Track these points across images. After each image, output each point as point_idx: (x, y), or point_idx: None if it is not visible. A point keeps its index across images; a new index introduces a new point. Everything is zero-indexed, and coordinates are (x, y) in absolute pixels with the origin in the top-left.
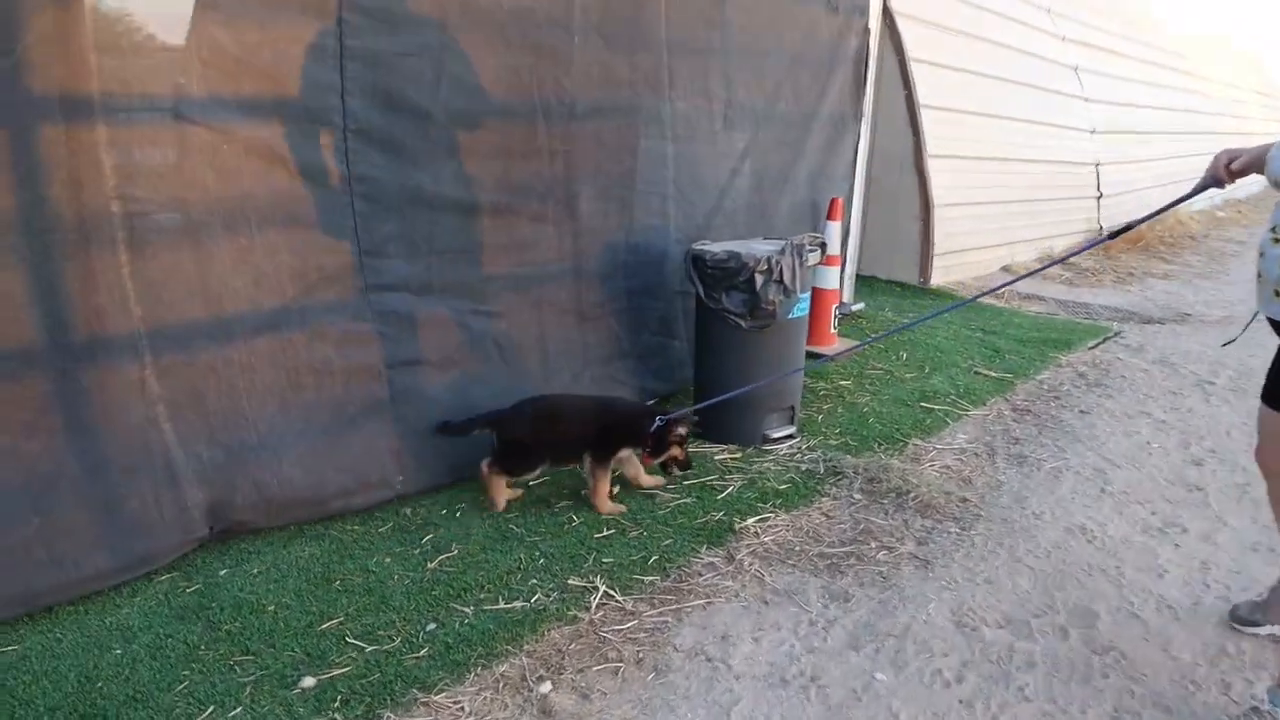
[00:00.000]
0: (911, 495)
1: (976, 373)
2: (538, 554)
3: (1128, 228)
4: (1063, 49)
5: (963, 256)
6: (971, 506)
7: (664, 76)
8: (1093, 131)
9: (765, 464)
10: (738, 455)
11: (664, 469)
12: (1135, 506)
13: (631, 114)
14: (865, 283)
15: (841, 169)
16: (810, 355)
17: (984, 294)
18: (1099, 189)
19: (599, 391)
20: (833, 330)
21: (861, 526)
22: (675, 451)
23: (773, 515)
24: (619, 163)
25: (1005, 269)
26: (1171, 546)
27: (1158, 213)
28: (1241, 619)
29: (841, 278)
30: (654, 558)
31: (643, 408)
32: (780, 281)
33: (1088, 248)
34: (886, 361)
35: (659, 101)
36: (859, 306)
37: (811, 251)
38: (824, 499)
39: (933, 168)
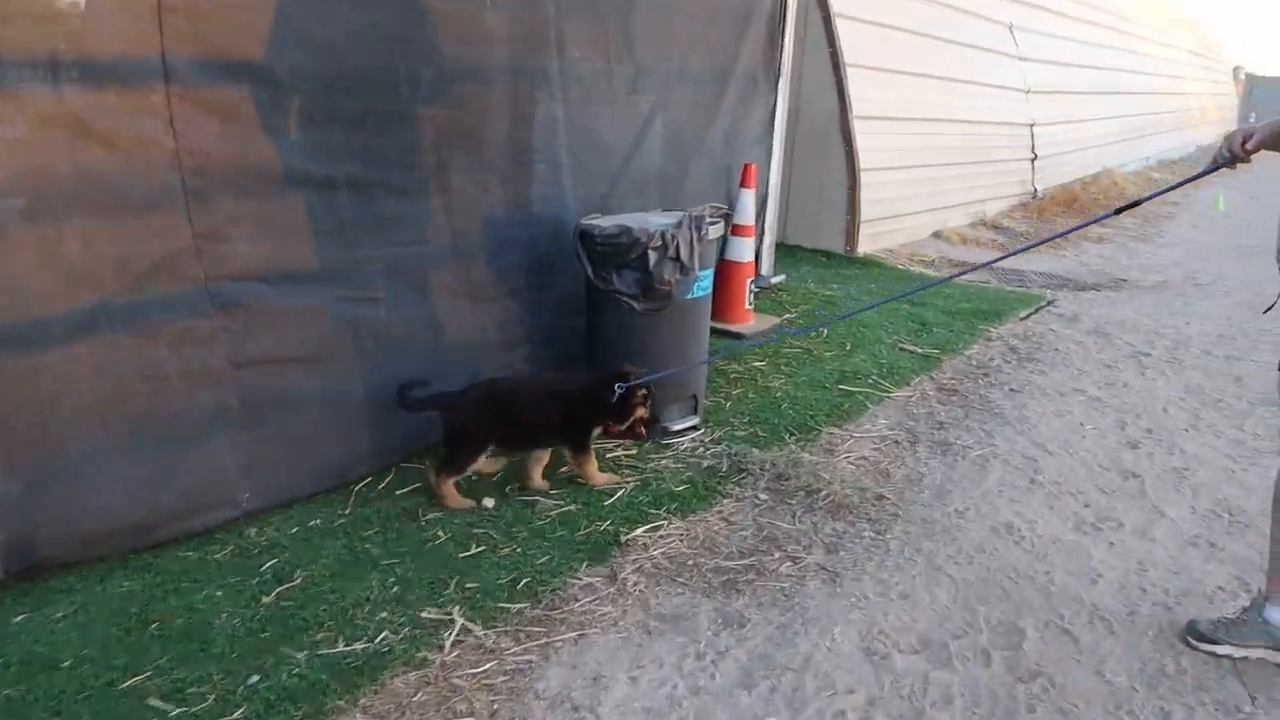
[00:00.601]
0: (823, 494)
1: (901, 349)
2: (392, 580)
3: (1135, 204)
4: (997, 6)
5: (892, 223)
6: (889, 505)
7: (551, 34)
8: (1028, 92)
9: (663, 461)
10: (632, 452)
11: (629, 433)
12: (1067, 498)
13: (515, 75)
14: (789, 252)
15: (755, 133)
16: (724, 334)
17: (962, 272)
18: (1034, 150)
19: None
20: (748, 306)
21: (765, 533)
22: (641, 412)
23: (666, 523)
24: (500, 129)
25: (937, 235)
26: (1106, 545)
27: (1164, 191)
28: (1200, 635)
29: (759, 249)
30: (525, 580)
31: (599, 378)
32: (676, 258)
33: (1093, 222)
34: (806, 338)
35: (547, 61)
36: (779, 279)
37: (713, 224)
38: (725, 501)
39: (859, 130)
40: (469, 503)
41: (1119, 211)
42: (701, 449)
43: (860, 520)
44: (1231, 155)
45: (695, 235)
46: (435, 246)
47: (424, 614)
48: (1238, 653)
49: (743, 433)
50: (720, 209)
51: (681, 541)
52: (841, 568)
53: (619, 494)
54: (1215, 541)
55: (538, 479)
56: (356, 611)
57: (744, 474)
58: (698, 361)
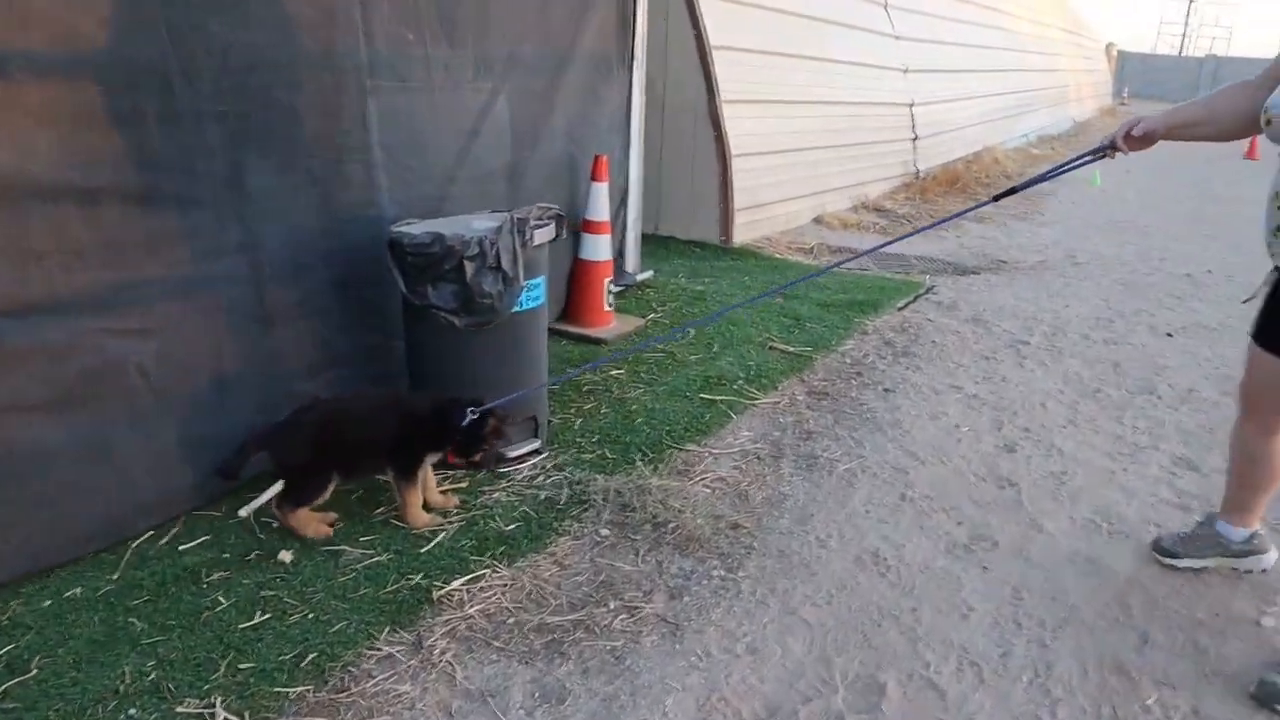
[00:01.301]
0: (671, 526)
1: (772, 348)
2: (152, 663)
3: (1011, 191)
4: None
5: (768, 210)
6: (744, 535)
7: (355, 15)
8: (905, 70)
9: (495, 494)
10: (462, 485)
11: (471, 464)
12: (939, 516)
13: (313, 64)
14: (662, 244)
15: (606, 122)
16: (582, 340)
17: (836, 265)
18: (915, 130)
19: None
20: (608, 308)
21: (602, 577)
22: (489, 445)
23: (489, 573)
24: (303, 126)
25: (817, 220)
26: (978, 570)
27: (1041, 179)
28: (1164, 550)
29: (622, 244)
30: (313, 655)
31: (446, 399)
32: (497, 268)
33: (971, 210)
34: (670, 340)
35: (351, 47)
36: (646, 275)
37: (540, 226)
38: (561, 540)
39: (729, 114)
40: (325, 528)
41: (997, 198)
42: (541, 477)
43: (711, 556)
44: (1113, 145)
45: (518, 241)
46: (226, 264)
47: (180, 708)
48: (1196, 564)
49: (590, 455)
50: (550, 209)
51: (504, 594)
52: (684, 617)
53: (438, 538)
54: (1094, 556)
55: (432, 498)
56: (98, 709)
57: (585, 506)
58: (539, 384)
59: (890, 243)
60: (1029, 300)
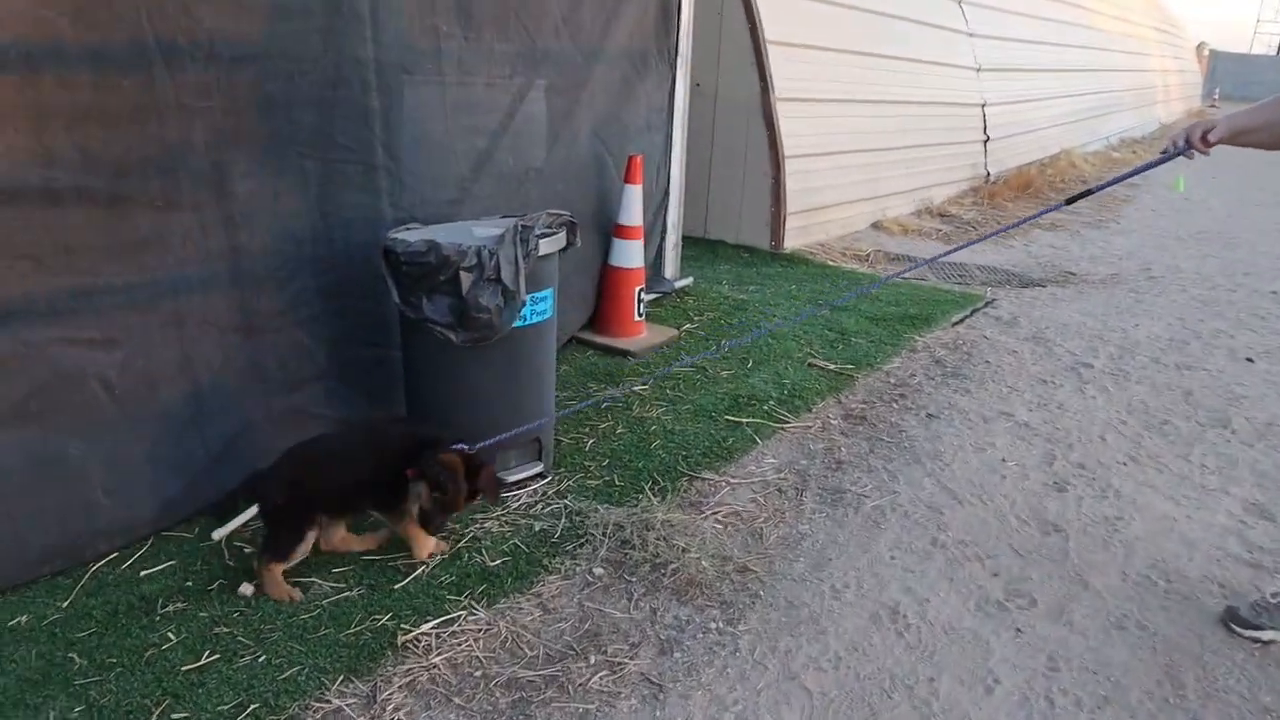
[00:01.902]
0: (673, 567)
1: (811, 365)
2: (81, 708)
3: (1084, 194)
4: None
5: (823, 214)
6: (751, 581)
7: (363, 4)
8: (978, 70)
9: (488, 523)
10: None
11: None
12: (973, 565)
13: (312, 57)
14: (709, 249)
15: (643, 120)
16: (610, 351)
17: (890, 276)
18: (986, 131)
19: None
20: (638, 318)
21: (589, 624)
22: (461, 502)
23: (465, 615)
24: (298, 124)
25: (876, 226)
26: (1011, 634)
27: (1113, 182)
28: (1243, 621)
29: (660, 249)
30: (255, 705)
31: (438, 434)
32: (497, 279)
33: (1041, 214)
34: (704, 352)
35: (356, 40)
36: (685, 282)
37: (548, 235)
38: (550, 579)
39: (784, 113)
40: (293, 594)
41: (1069, 202)
42: (540, 504)
43: (712, 604)
44: (1188, 145)
45: (520, 251)
46: (204, 270)
47: None
48: (1274, 635)
49: (595, 481)
50: (561, 216)
51: (477, 641)
52: (671, 677)
53: (416, 573)
54: (1146, 621)
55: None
56: None
57: (582, 540)
58: (538, 422)
59: (952, 251)
60: (1097, 317)
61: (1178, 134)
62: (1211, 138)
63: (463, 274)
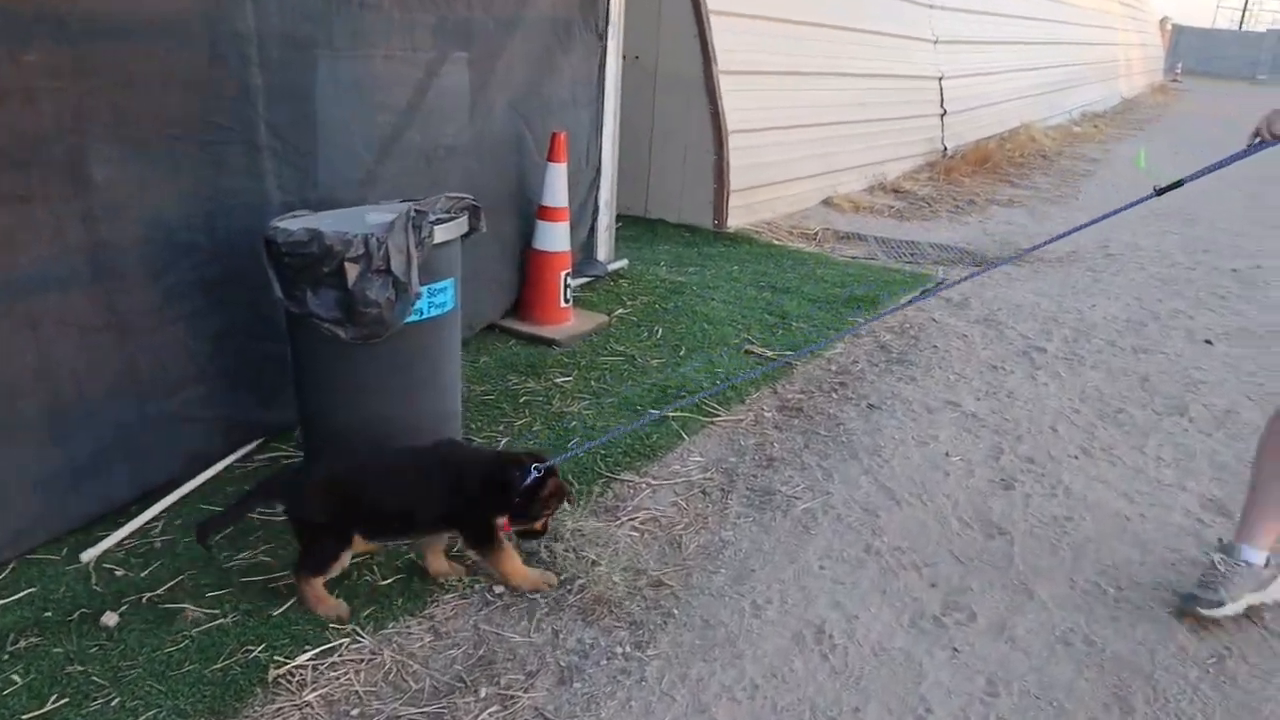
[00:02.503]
0: (580, 583)
1: (748, 352)
2: None
3: (1178, 184)
4: None
5: (770, 191)
6: (665, 598)
7: None
8: (935, 42)
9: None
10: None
11: (529, 533)
12: (909, 575)
13: (184, 32)
14: (650, 229)
15: (567, 94)
16: (532, 340)
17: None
18: (943, 105)
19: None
20: (565, 303)
21: (483, 650)
22: (542, 521)
23: (347, 643)
24: (169, 105)
25: (826, 203)
26: (947, 654)
27: (1207, 171)
28: (1206, 603)
29: (593, 231)
30: None
31: (502, 455)
32: (386, 271)
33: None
34: (634, 340)
35: (234, 11)
36: (619, 265)
37: (446, 221)
38: (445, 598)
39: (728, 87)
40: (340, 608)
41: (1160, 193)
42: None
43: (620, 625)
44: (1274, 137)
45: (413, 239)
46: (62, 267)
47: None
48: (1237, 607)
49: None
50: (462, 199)
51: (358, 673)
52: (568, 712)
53: (292, 601)
54: (1094, 636)
55: (438, 564)
56: None
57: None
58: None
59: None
60: (1052, 297)
61: (1263, 123)
62: (1276, 129)
63: (348, 265)
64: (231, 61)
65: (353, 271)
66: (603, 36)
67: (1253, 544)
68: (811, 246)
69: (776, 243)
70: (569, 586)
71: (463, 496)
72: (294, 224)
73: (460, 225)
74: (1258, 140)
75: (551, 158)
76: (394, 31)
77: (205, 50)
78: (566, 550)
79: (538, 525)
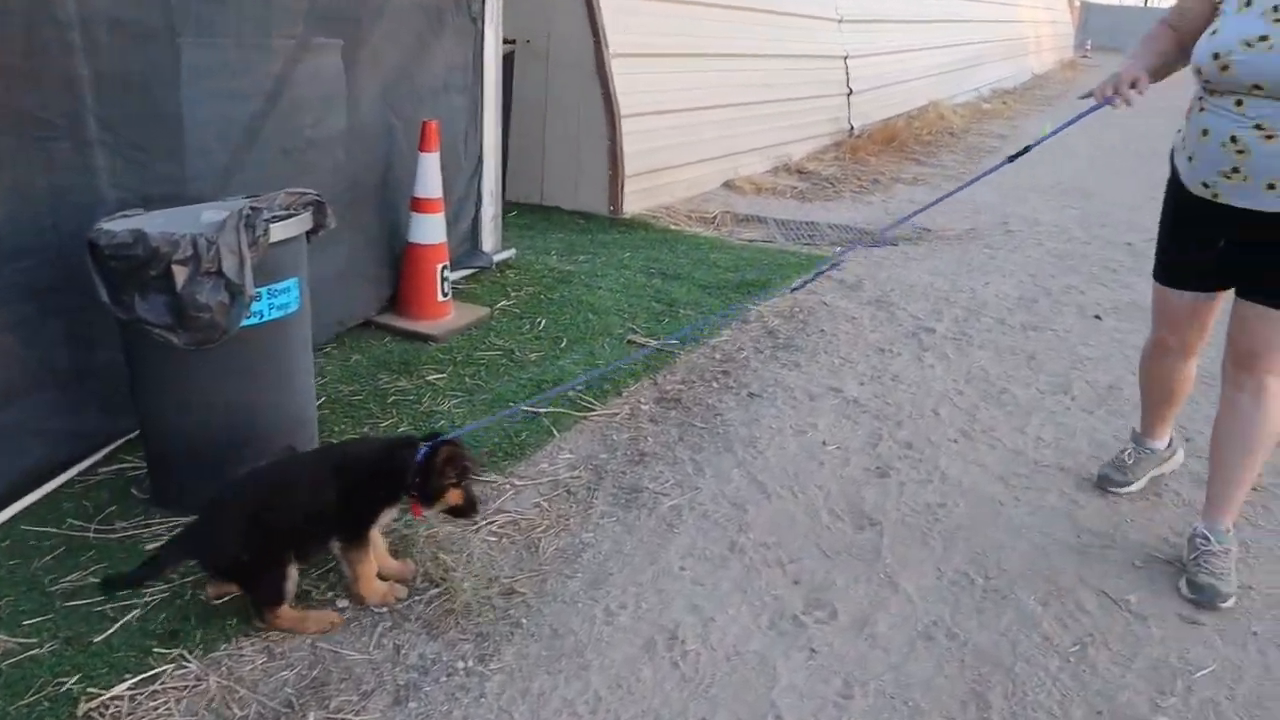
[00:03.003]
0: (429, 593)
1: (631, 342)
2: None
3: (1026, 150)
4: None
5: (668, 175)
6: (517, 605)
7: None
8: (840, 21)
9: None
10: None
11: (452, 512)
12: (772, 572)
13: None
14: (545, 216)
15: (440, 81)
16: (408, 336)
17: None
18: (848, 84)
19: None
20: (443, 297)
21: (318, 671)
22: (452, 495)
23: (172, 669)
24: None
25: (727, 185)
26: (804, 655)
27: (1053, 134)
28: (1116, 482)
29: (477, 221)
30: None
31: (393, 439)
32: (218, 273)
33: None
34: (515, 333)
35: None
36: (505, 255)
37: (285, 218)
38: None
39: (621, 69)
40: (330, 616)
41: (1012, 159)
42: None
43: (466, 637)
44: (1118, 96)
45: (246, 238)
46: None
47: None
48: (1141, 484)
49: None
50: (305, 194)
51: (180, 702)
52: None
53: (129, 617)
54: (957, 629)
55: (391, 566)
56: None
57: (331, 565)
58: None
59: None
60: (946, 276)
61: (1104, 84)
62: (1142, 87)
63: (175, 268)
64: (51, 51)
65: (181, 274)
66: (477, 20)
67: (1153, 437)
68: (709, 231)
69: (674, 227)
70: (418, 597)
71: (360, 490)
72: (120, 225)
73: (302, 222)
74: (1093, 102)
75: (423, 148)
76: (246, 17)
77: (22, 35)
78: (419, 559)
79: (451, 499)
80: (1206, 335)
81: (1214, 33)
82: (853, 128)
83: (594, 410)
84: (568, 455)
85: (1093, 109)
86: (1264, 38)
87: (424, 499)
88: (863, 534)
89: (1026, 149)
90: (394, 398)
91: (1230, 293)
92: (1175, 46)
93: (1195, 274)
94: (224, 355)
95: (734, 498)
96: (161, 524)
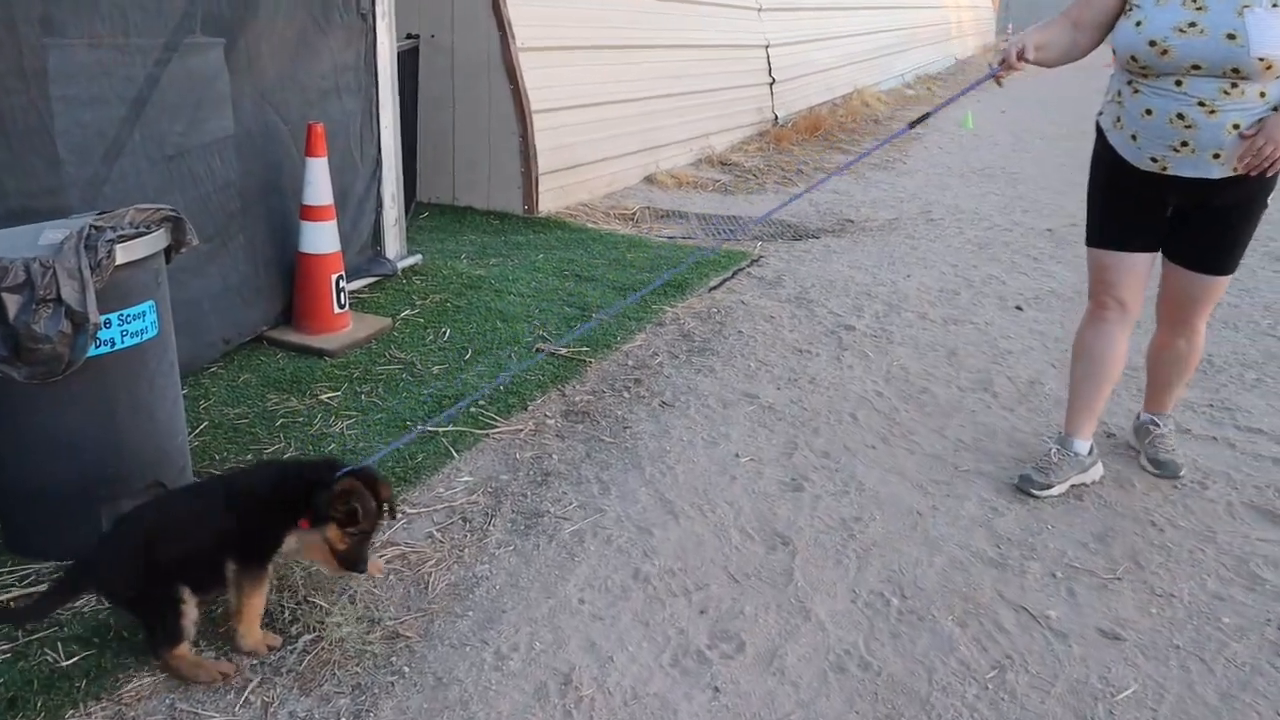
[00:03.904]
0: (305, 641)
1: (540, 350)
2: None
3: (926, 117)
4: None
5: (586, 171)
6: (400, 651)
7: None
8: (760, 9)
9: (77, 602)
10: (26, 592)
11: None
12: (677, 602)
13: None
14: (458, 218)
15: (329, 82)
16: (302, 351)
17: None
18: (771, 74)
19: None
20: (339, 309)
21: None
22: (331, 533)
23: None
24: None
25: (649, 180)
26: (707, 695)
27: (945, 104)
28: (1038, 484)
29: (378, 226)
30: None
31: (314, 460)
32: (56, 300)
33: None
34: (417, 345)
35: None
36: (412, 261)
37: (133, 237)
38: (140, 674)
39: (531, 64)
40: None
41: (911, 126)
42: None
43: (342, 690)
44: (1004, 63)
45: (87, 261)
46: None
47: None
48: (1063, 488)
49: None
50: (159, 210)
51: None
52: None
53: None
54: (871, 657)
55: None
56: None
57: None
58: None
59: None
60: (868, 270)
61: (997, 54)
62: (1028, 55)
63: (6, 296)
64: None
65: (13, 302)
66: (368, 17)
67: (1078, 436)
68: (628, 228)
69: (591, 226)
70: (291, 646)
71: (257, 516)
72: None
73: (155, 240)
74: (991, 67)
75: (310, 152)
76: (102, 15)
77: None
78: (297, 602)
79: (332, 537)
80: (1142, 296)
81: (1139, 24)
82: (776, 117)
83: (497, 426)
84: (466, 478)
85: (984, 78)
86: (1193, 24)
87: (316, 521)
88: (774, 555)
89: (925, 116)
90: (283, 420)
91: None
92: (1068, 35)
93: (1137, 235)
94: (71, 389)
95: (640, 520)
96: (11, 573)
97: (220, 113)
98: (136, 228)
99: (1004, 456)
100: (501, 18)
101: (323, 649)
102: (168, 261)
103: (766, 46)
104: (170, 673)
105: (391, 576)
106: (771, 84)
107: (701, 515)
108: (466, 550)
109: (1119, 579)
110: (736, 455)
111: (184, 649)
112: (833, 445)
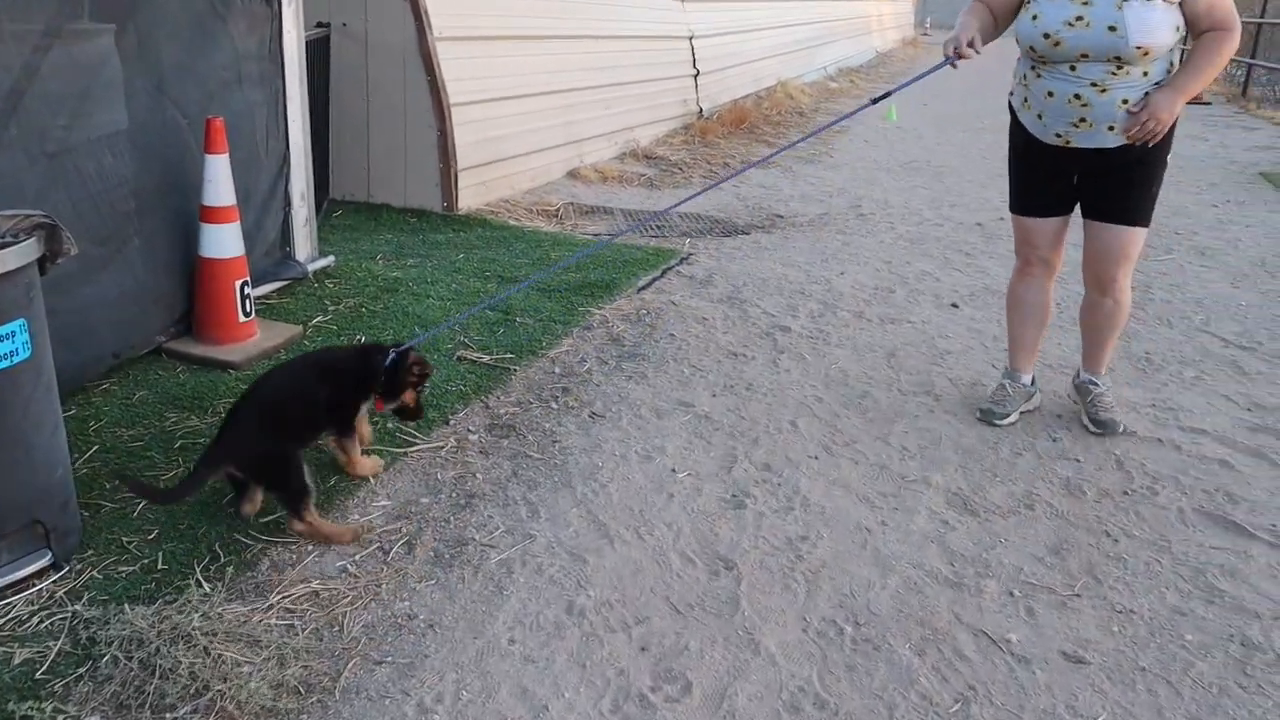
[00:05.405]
0: (204, 699)
1: (461, 359)
2: None
3: (886, 95)
4: None
5: (507, 166)
6: (311, 707)
7: None
8: (684, 0)
9: None
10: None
11: (401, 413)
12: (616, 639)
13: None
14: (372, 216)
15: (230, 73)
16: (205, 364)
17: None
18: (695, 65)
19: None
20: (244, 317)
21: None
22: (408, 396)
23: None
24: None
25: (572, 174)
26: None
27: (905, 85)
28: (997, 415)
29: (287, 227)
30: None
31: (363, 346)
32: None
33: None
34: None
35: None
36: (324, 263)
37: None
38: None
39: (449, 55)
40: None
41: (875, 102)
42: (38, 616)
43: None
44: (957, 54)
45: None
46: None
47: None
48: (1015, 417)
49: (129, 569)
50: (29, 217)
51: None
52: None
53: None
54: (826, 693)
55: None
56: None
57: (87, 668)
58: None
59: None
60: (800, 267)
61: (945, 44)
62: (978, 45)
63: None
64: None
65: None
66: (272, 2)
67: (1024, 371)
68: (552, 225)
69: (513, 223)
70: (196, 703)
71: (342, 388)
72: None
73: (25, 251)
74: (946, 56)
75: (209, 149)
76: None
77: None
78: (195, 653)
79: (408, 399)
80: (1062, 251)
81: (1035, 18)
82: (701, 110)
83: (416, 444)
84: (384, 503)
85: (937, 66)
86: (1080, 18)
87: (388, 397)
88: (718, 581)
89: (888, 93)
90: (182, 440)
91: (1077, 215)
92: (990, 19)
93: (1053, 201)
94: None
95: (572, 546)
96: None
97: (111, 105)
98: (3, 236)
99: (950, 464)
100: (417, 6)
101: (226, 709)
102: (42, 273)
103: (690, 38)
104: (312, 536)
105: (301, 620)
106: (696, 76)
107: (638, 539)
108: (384, 585)
109: (1078, 595)
110: (673, 470)
111: (313, 508)
112: (774, 457)
